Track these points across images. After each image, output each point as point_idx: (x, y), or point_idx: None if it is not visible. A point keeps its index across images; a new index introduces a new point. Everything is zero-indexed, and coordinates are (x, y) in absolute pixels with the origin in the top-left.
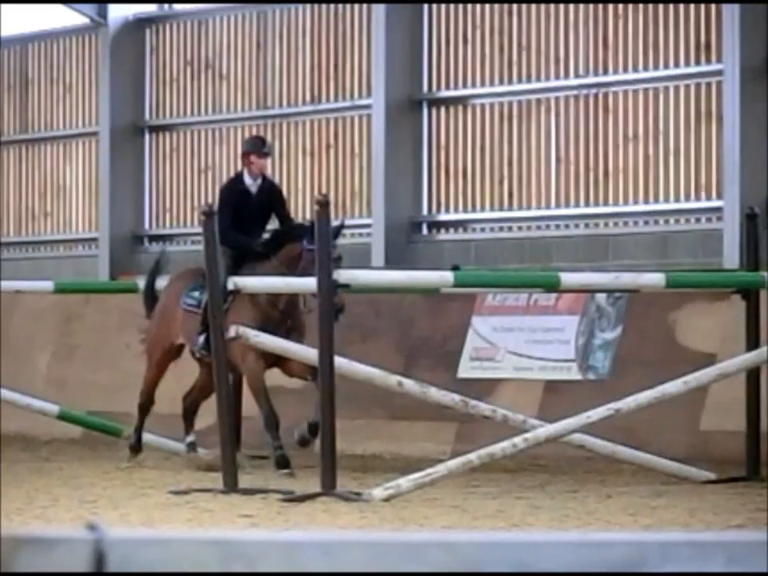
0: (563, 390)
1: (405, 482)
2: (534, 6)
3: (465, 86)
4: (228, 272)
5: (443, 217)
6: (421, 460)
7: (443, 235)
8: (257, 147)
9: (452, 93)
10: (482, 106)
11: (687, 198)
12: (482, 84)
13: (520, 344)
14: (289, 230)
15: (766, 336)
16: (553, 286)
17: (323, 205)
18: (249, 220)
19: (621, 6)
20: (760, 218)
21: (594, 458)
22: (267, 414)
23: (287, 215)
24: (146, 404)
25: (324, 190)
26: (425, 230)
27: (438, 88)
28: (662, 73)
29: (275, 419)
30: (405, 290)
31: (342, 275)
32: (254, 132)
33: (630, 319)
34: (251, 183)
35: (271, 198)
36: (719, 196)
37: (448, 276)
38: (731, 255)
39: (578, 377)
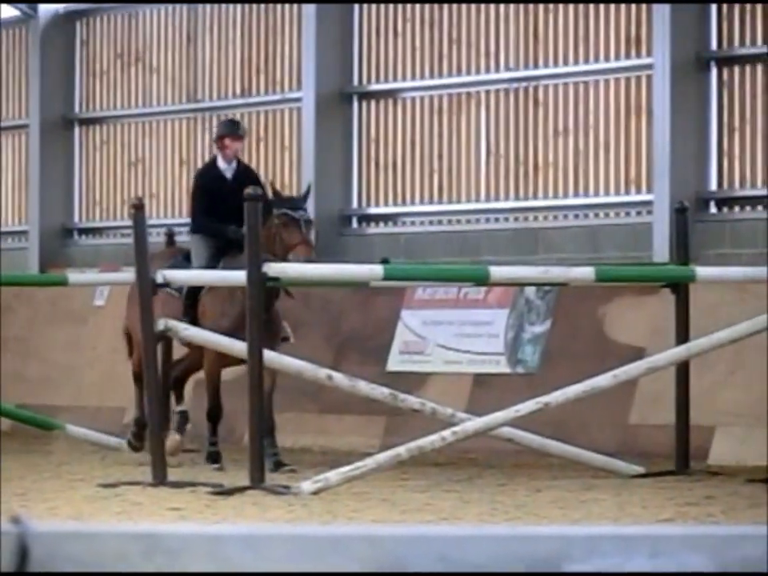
0: (492, 384)
1: (334, 475)
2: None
3: (395, 79)
4: (212, 261)
5: (373, 210)
6: (350, 453)
7: (373, 229)
8: (231, 130)
9: (382, 86)
10: (413, 99)
11: (617, 192)
12: (413, 77)
13: (449, 337)
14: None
15: (695, 330)
16: (482, 280)
17: (255, 198)
18: (225, 205)
19: (552, 5)
20: (689, 212)
21: (523, 452)
22: (212, 405)
23: (265, 198)
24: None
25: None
26: (355, 224)
27: (369, 81)
28: (592, 66)
29: (219, 412)
30: (334, 284)
31: (272, 269)
32: (185, 126)
33: (560, 313)
34: (226, 168)
35: (248, 181)
36: (649, 190)
37: (377, 269)
38: (661, 249)
39: (507, 370)
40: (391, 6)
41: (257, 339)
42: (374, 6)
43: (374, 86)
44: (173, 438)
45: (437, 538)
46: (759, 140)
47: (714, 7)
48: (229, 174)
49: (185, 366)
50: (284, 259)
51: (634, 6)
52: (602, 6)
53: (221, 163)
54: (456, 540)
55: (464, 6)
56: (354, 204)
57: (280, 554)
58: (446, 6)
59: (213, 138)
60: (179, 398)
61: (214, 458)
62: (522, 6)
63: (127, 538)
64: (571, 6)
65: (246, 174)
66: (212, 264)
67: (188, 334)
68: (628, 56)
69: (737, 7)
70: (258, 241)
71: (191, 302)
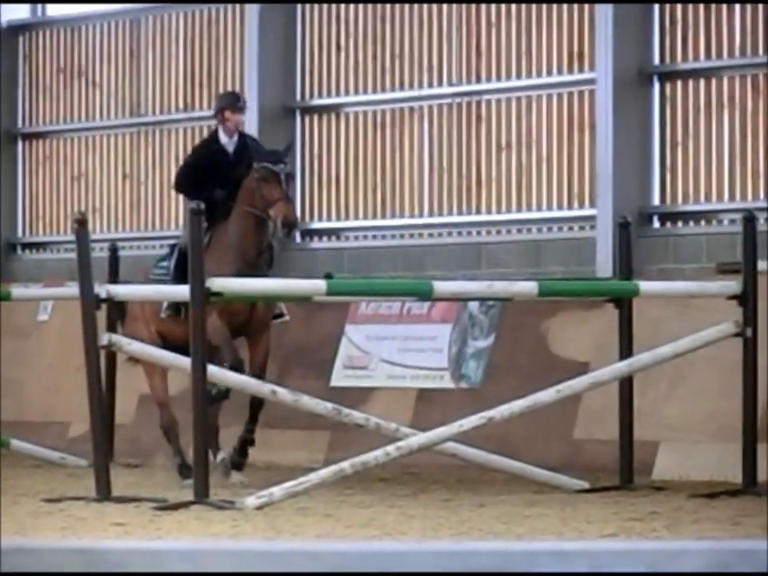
0: (436, 399)
1: (278, 490)
2: (407, 14)
3: (338, 93)
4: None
5: (316, 225)
6: (294, 469)
7: (316, 243)
8: (231, 102)
9: (325, 101)
10: (356, 113)
11: (560, 207)
12: (356, 92)
13: (393, 352)
14: (241, 164)
15: (638, 345)
16: (426, 295)
17: (196, 212)
18: (225, 180)
19: (494, 13)
20: (632, 227)
21: (467, 467)
22: (164, 417)
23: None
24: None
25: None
26: (298, 238)
27: (311, 96)
28: (535, 81)
29: (172, 423)
30: (278, 299)
31: (215, 283)
32: (128, 140)
33: (503, 328)
34: (227, 141)
35: (248, 156)
36: (592, 204)
37: (321, 284)
38: (604, 264)
39: (451, 385)
40: (334, 20)
41: (200, 354)
42: (316, 19)
43: (317, 101)
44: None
45: (380, 554)
46: (702, 155)
47: (656, 22)
48: (230, 149)
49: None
50: (264, 214)
51: (576, 20)
52: (544, 21)
53: (222, 137)
54: (399, 555)
55: (406, 20)
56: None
57: (222, 568)
58: (388, 20)
59: (213, 112)
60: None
61: (184, 473)
62: (464, 20)
63: (70, 553)
64: (514, 21)
65: (248, 149)
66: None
67: (132, 349)
68: (570, 71)
69: (679, 22)
70: (200, 255)
71: (179, 274)
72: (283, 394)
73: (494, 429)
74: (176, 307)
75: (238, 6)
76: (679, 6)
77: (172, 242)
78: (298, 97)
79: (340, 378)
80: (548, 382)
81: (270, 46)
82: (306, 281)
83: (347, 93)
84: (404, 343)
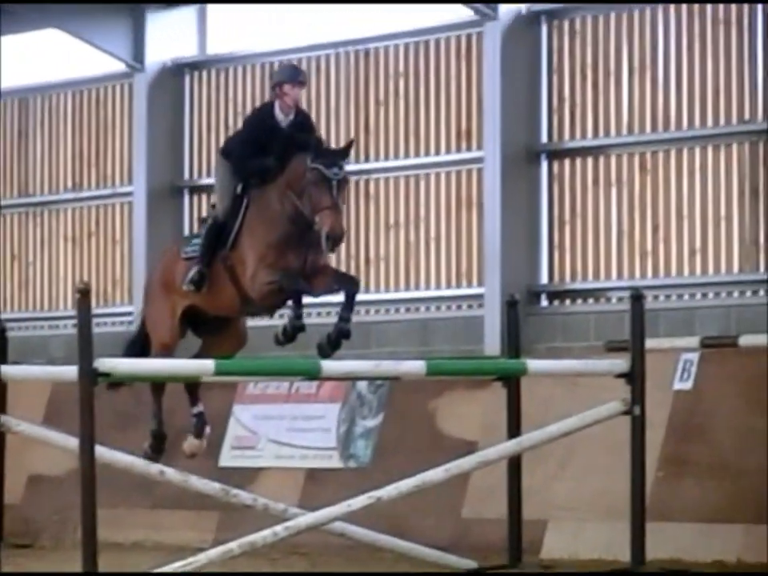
0: (325, 478)
1: (166, 570)
2: None
3: None
4: (240, 190)
5: None
6: (183, 548)
7: None
8: (291, 76)
9: (213, 180)
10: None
11: (449, 285)
12: (214, 177)
13: (281, 432)
14: (300, 141)
15: (527, 423)
16: (314, 374)
17: (84, 293)
18: (277, 158)
19: (382, 92)
20: (520, 305)
21: (356, 546)
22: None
23: (319, 142)
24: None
25: (86, 278)
26: None
27: (200, 175)
28: (423, 160)
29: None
30: (166, 379)
31: (103, 364)
32: (16, 220)
33: (392, 407)
34: (282, 118)
35: (303, 134)
36: (480, 283)
37: (208, 364)
38: (492, 342)
39: (340, 465)
40: (222, 101)
41: (88, 434)
42: (204, 99)
43: (205, 180)
44: (190, 443)
45: None
46: (590, 233)
47: (543, 100)
48: (285, 125)
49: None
50: (309, 218)
51: (464, 100)
52: (432, 100)
53: (278, 113)
54: None
55: None
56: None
57: None
58: None
59: (270, 85)
60: (194, 401)
61: (153, 442)
62: (353, 98)
63: None
64: (402, 100)
65: (302, 128)
66: (236, 194)
67: (21, 429)
68: (458, 149)
69: (566, 100)
70: (90, 337)
71: (211, 243)
72: (171, 474)
73: (382, 508)
74: (198, 281)
75: (126, 85)
76: (567, 85)
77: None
78: (186, 176)
79: (228, 458)
80: (436, 460)
81: (159, 125)
82: (194, 361)
83: None
84: (292, 423)
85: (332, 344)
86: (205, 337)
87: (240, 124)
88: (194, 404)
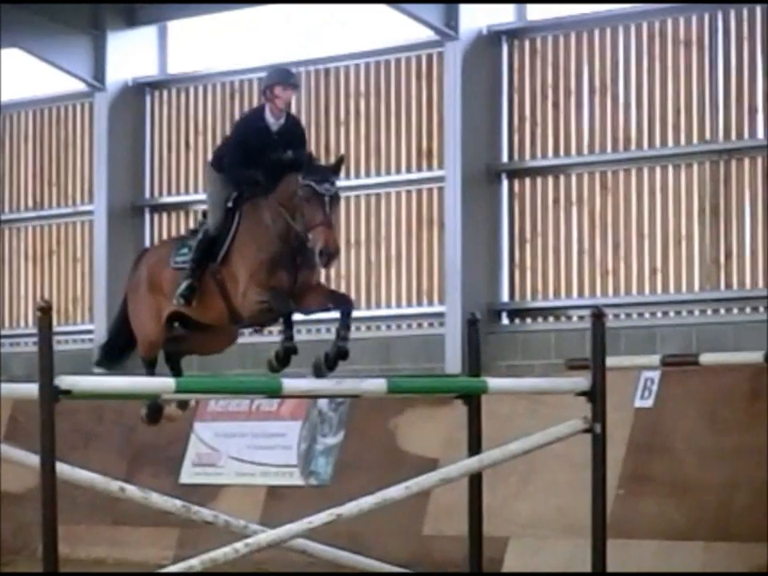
0: (286, 496)
1: None
2: None
3: (187, 191)
4: (232, 203)
5: None
6: (143, 565)
7: None
8: (283, 77)
9: (174, 198)
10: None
11: (409, 304)
12: (204, 190)
13: (242, 449)
14: (289, 160)
15: (488, 441)
16: (275, 392)
17: (45, 311)
18: (263, 161)
19: (343, 112)
20: (481, 323)
21: (316, 563)
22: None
23: (311, 158)
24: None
25: (47, 296)
26: None
27: (160, 194)
28: (384, 179)
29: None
30: (127, 397)
31: (64, 381)
32: None
33: (353, 424)
34: (273, 121)
35: (292, 139)
36: (441, 301)
37: (170, 382)
38: (453, 360)
39: (300, 482)
40: (183, 119)
41: (49, 451)
42: (165, 118)
43: (166, 199)
44: (174, 409)
45: None
46: (550, 251)
47: (504, 119)
48: (275, 129)
49: (179, 346)
50: (303, 236)
51: (425, 119)
52: (393, 119)
53: (269, 117)
54: None
55: None
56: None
57: None
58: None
59: (261, 89)
60: (177, 373)
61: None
62: (313, 120)
63: None
64: (363, 119)
65: (293, 132)
66: (227, 207)
67: None
68: (420, 168)
69: (527, 119)
70: (51, 353)
71: (201, 256)
72: (132, 491)
73: (343, 525)
74: (189, 296)
75: (86, 104)
76: (527, 104)
77: (193, 227)
78: (147, 194)
79: (189, 475)
80: (397, 478)
81: (120, 144)
82: (155, 378)
83: (196, 191)
84: (253, 440)
85: (329, 364)
86: (195, 334)
87: (200, 143)
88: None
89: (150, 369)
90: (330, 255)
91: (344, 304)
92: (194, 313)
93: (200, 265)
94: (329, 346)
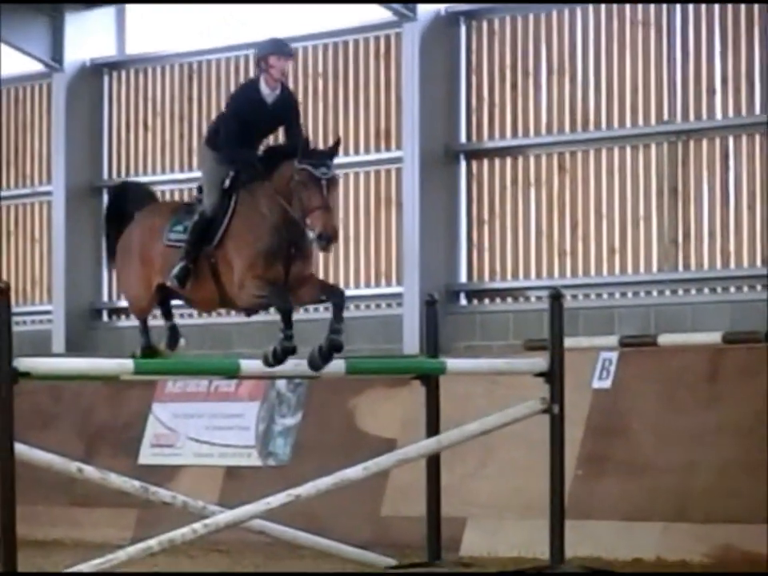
0: (244, 476)
1: (85, 567)
2: (214, 94)
3: (145, 172)
4: (228, 184)
5: (124, 303)
6: (102, 546)
7: (124, 322)
8: (278, 47)
9: (133, 180)
10: (163, 193)
11: (367, 284)
12: (163, 171)
13: (200, 430)
14: (284, 146)
15: (446, 422)
16: (233, 373)
17: (3, 292)
18: (258, 135)
19: (301, 92)
20: (439, 304)
21: (275, 544)
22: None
23: (299, 133)
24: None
25: (5, 277)
26: (105, 317)
27: (119, 175)
28: (342, 160)
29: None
30: (86, 378)
31: (22, 363)
32: None
33: (311, 405)
34: (268, 93)
35: (285, 110)
36: (399, 282)
37: (128, 363)
38: (411, 341)
39: (259, 463)
40: (141, 100)
41: (8, 432)
42: (123, 99)
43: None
44: (164, 350)
45: None
46: (509, 232)
47: (463, 100)
48: (270, 100)
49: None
50: (301, 221)
51: (383, 100)
52: (351, 99)
53: (263, 87)
54: None
55: (213, 101)
56: (105, 298)
57: None
58: (195, 100)
59: (254, 59)
60: (168, 315)
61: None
62: None
63: None
64: (321, 100)
65: (286, 103)
66: (223, 189)
67: None
68: (378, 149)
69: (485, 100)
70: (10, 335)
71: (197, 238)
72: (90, 471)
73: (301, 506)
74: (183, 278)
75: (45, 84)
76: (486, 85)
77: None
78: (106, 176)
79: (147, 456)
80: (355, 459)
81: (78, 125)
82: (113, 360)
83: (155, 172)
84: (211, 421)
85: (323, 357)
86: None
87: (158, 124)
88: (168, 318)
89: (144, 329)
90: (328, 239)
91: (337, 296)
92: (185, 293)
93: (195, 247)
94: (322, 340)
